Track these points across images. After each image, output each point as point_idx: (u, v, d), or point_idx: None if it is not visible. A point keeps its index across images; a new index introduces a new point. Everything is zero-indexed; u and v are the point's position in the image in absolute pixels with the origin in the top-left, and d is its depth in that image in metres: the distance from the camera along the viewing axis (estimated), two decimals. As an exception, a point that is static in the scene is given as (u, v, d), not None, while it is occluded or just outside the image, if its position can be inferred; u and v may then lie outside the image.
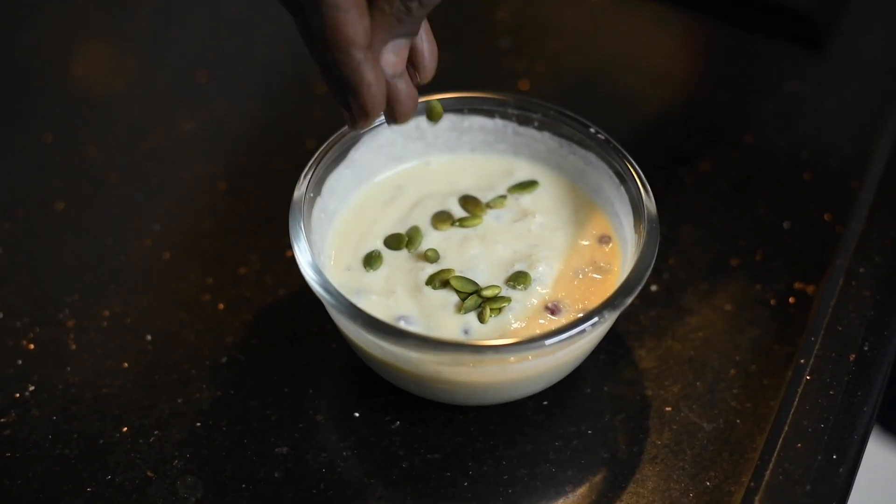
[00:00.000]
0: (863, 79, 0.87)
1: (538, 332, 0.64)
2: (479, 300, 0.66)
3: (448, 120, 0.72)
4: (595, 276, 0.68)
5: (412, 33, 0.59)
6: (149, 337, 0.72)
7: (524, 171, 0.73)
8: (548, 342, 0.61)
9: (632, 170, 0.68)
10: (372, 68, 0.58)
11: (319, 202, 0.68)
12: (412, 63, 0.61)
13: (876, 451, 1.16)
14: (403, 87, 0.60)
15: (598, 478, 0.66)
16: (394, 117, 0.61)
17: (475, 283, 0.66)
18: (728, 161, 0.82)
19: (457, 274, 0.67)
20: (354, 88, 0.58)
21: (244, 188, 0.80)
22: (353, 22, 0.56)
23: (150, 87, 0.87)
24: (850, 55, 0.89)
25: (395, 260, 0.68)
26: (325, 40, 0.57)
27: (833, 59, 0.89)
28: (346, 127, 0.69)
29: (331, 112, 0.83)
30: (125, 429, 0.67)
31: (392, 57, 0.59)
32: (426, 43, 0.61)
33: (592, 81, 0.88)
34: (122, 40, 0.91)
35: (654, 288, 0.74)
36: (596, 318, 0.62)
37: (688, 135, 0.84)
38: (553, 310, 0.66)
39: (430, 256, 0.68)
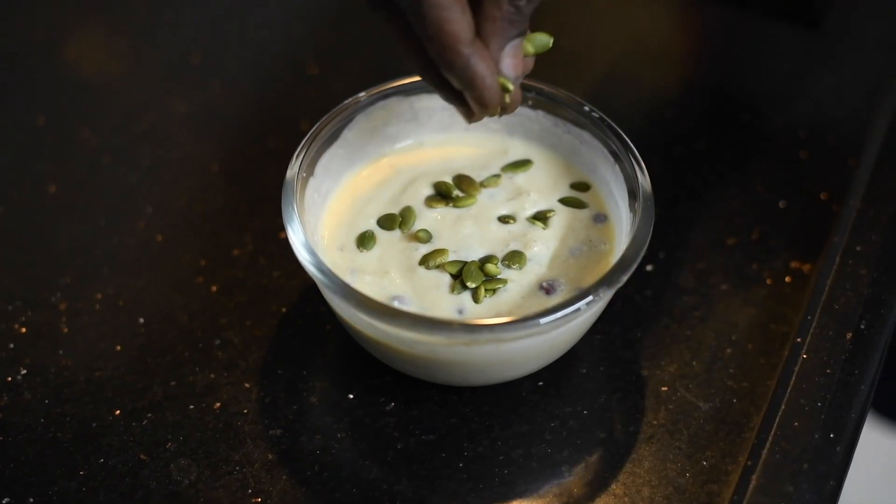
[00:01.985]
0: (860, 57, 0.87)
1: (533, 311, 0.64)
2: (480, 276, 0.65)
3: (441, 99, 0.71)
4: (590, 255, 0.67)
5: (524, 31, 0.60)
6: (142, 319, 0.71)
7: (518, 150, 0.72)
8: (542, 321, 0.61)
9: (626, 148, 0.68)
10: (481, 60, 0.58)
11: (312, 182, 0.68)
12: None
13: (869, 435, 1.16)
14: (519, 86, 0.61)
15: (594, 458, 0.66)
16: (505, 111, 0.62)
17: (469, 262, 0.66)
18: (725, 139, 0.81)
19: (451, 253, 0.66)
20: (469, 83, 0.58)
21: (237, 169, 0.80)
22: (457, 18, 0.57)
23: (143, 69, 0.87)
24: (847, 34, 0.88)
25: (388, 240, 0.68)
26: (431, 40, 0.57)
27: (830, 38, 0.88)
28: (338, 107, 0.69)
29: (324, 92, 0.83)
30: (118, 412, 0.67)
31: (511, 60, 0.60)
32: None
33: (587, 60, 0.87)
34: (115, 22, 0.91)
35: (649, 267, 0.74)
36: (591, 297, 0.61)
37: (684, 113, 0.83)
38: (548, 289, 0.66)
39: (422, 237, 0.67)
